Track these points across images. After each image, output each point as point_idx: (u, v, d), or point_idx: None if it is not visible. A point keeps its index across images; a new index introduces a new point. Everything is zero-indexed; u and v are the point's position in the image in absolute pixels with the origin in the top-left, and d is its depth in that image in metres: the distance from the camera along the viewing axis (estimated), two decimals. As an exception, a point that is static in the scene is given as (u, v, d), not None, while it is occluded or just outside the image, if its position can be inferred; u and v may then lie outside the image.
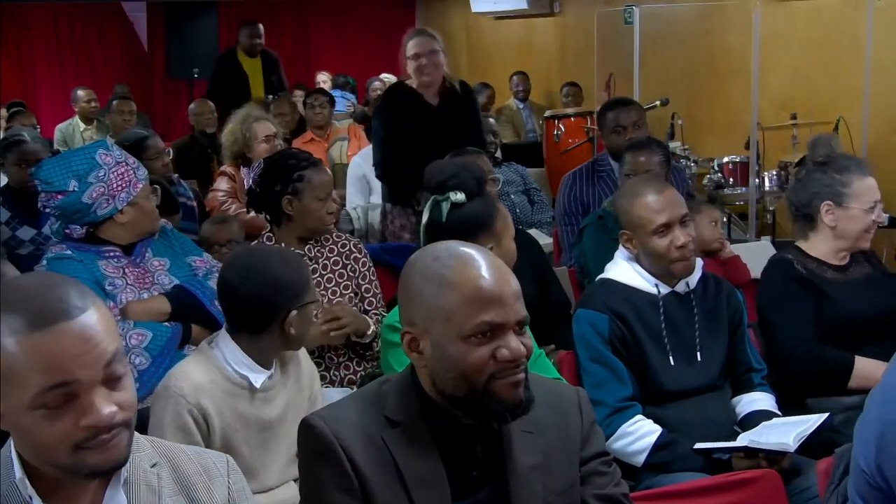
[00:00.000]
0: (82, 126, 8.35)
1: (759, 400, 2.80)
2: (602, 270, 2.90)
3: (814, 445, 2.53)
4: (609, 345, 2.65)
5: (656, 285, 2.73)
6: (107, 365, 1.35)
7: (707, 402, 2.72)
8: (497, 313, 1.60)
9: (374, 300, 3.28)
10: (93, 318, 1.35)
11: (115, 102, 7.81)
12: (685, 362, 2.70)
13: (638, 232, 2.72)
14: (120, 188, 2.87)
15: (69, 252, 2.89)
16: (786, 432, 2.51)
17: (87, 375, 1.33)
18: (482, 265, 1.64)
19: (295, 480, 2.43)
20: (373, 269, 3.33)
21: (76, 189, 2.83)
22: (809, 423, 2.54)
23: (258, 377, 2.37)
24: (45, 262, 2.91)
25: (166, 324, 2.88)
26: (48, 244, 3.39)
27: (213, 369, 2.34)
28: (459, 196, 2.66)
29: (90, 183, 2.83)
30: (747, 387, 2.82)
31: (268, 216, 3.27)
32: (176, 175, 5.06)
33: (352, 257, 3.28)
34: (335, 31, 11.83)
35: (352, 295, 3.27)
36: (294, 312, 2.37)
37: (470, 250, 1.68)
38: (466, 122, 4.52)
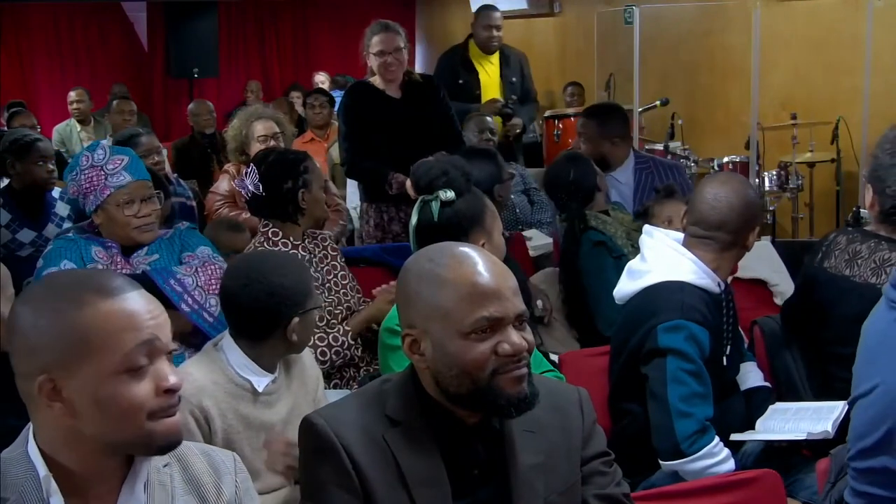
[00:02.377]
0: (79, 127, 8.35)
1: (750, 373, 2.85)
2: (606, 297, 2.83)
3: (814, 445, 2.54)
4: (704, 360, 2.57)
5: (718, 284, 2.68)
6: (167, 333, 1.44)
7: (733, 402, 2.74)
8: (495, 308, 1.60)
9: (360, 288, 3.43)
10: (149, 295, 1.45)
11: (115, 103, 7.81)
12: (727, 359, 2.71)
13: (750, 230, 2.69)
14: (88, 191, 2.97)
15: (71, 234, 3.04)
16: (821, 419, 2.53)
17: (164, 336, 1.42)
18: (477, 262, 1.65)
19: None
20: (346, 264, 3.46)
21: (67, 181, 3.04)
22: (840, 406, 2.53)
23: (261, 381, 2.36)
24: (51, 241, 3.11)
25: None
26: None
27: (217, 371, 2.34)
28: (449, 194, 2.65)
29: (70, 179, 3.02)
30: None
31: (271, 217, 3.27)
32: (175, 175, 5.06)
33: (332, 248, 3.40)
34: (335, 31, 11.82)
35: (352, 282, 3.39)
36: (296, 319, 2.36)
37: (464, 249, 1.70)
38: (435, 113, 4.52)
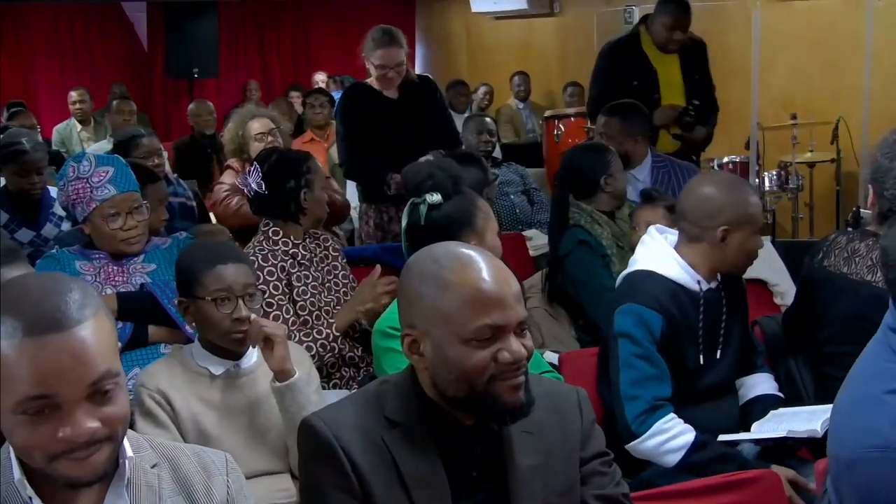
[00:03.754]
0: (79, 127, 8.35)
1: (761, 383, 2.82)
2: (593, 295, 2.83)
3: (812, 445, 2.54)
4: (656, 344, 2.60)
5: (699, 281, 2.68)
6: (93, 383, 1.34)
7: (723, 405, 2.73)
8: (498, 316, 1.59)
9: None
10: (87, 332, 1.33)
11: (115, 103, 7.80)
12: (710, 359, 2.71)
13: (744, 228, 2.65)
14: (75, 202, 2.96)
15: (55, 251, 3.02)
16: (807, 419, 2.52)
17: (69, 393, 1.32)
18: (482, 266, 1.63)
19: (294, 478, 2.46)
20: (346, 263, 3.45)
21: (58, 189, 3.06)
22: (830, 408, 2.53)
23: (218, 366, 2.49)
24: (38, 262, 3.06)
25: None
26: (47, 246, 3.41)
27: (176, 363, 2.50)
28: (436, 197, 2.64)
29: (59, 189, 3.02)
30: (751, 369, 2.84)
31: (273, 216, 3.27)
32: (175, 175, 5.05)
33: (334, 248, 3.40)
34: (335, 31, 11.83)
35: (353, 283, 3.38)
36: (183, 299, 2.51)
37: (469, 251, 1.68)
38: (432, 114, 4.53)
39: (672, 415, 2.56)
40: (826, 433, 2.39)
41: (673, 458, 2.53)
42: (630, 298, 2.64)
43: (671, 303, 2.62)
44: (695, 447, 2.53)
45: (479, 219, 2.64)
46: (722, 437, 2.57)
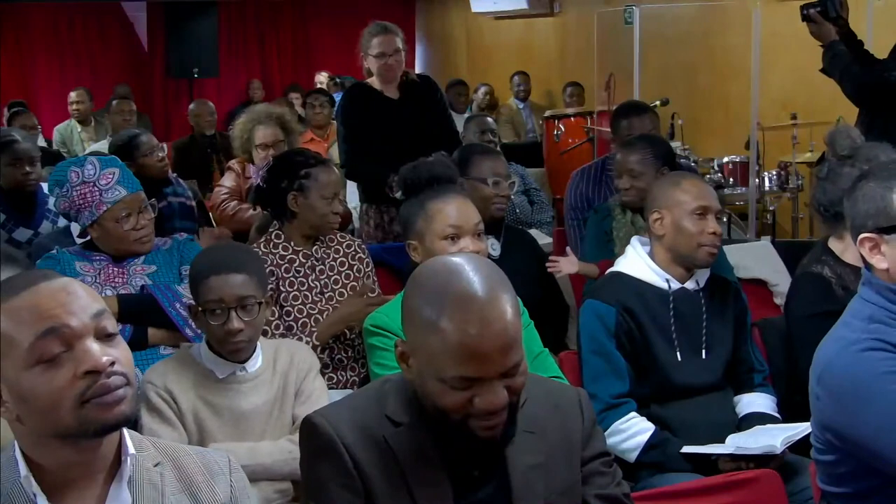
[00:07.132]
0: (79, 127, 8.35)
1: (758, 402, 2.81)
2: (596, 259, 2.92)
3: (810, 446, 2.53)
4: (614, 338, 2.67)
5: (667, 280, 2.74)
6: (95, 316, 1.40)
7: (710, 403, 2.74)
8: (476, 369, 1.54)
9: None
10: (74, 282, 1.44)
11: (114, 103, 7.79)
12: (691, 358, 2.72)
13: (674, 210, 2.71)
14: (82, 207, 2.93)
15: (55, 252, 3.01)
16: (775, 435, 2.52)
17: (75, 322, 1.38)
18: (472, 317, 1.53)
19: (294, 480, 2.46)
20: (374, 269, 3.34)
21: (54, 195, 3.02)
22: (800, 428, 2.52)
23: (224, 369, 2.47)
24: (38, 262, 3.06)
25: None
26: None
27: (184, 362, 2.51)
28: (398, 196, 2.70)
29: (59, 195, 2.97)
30: (748, 386, 2.83)
31: (272, 212, 3.29)
32: (175, 175, 5.06)
33: (356, 257, 3.28)
34: (335, 31, 11.84)
35: (376, 290, 3.32)
36: (192, 303, 2.51)
37: (470, 291, 1.56)
38: (433, 114, 4.54)
39: (631, 414, 2.63)
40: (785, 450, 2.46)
41: (631, 457, 2.62)
42: (590, 296, 2.77)
43: (634, 299, 2.70)
44: (647, 447, 2.60)
45: (420, 222, 2.57)
46: (685, 449, 2.60)
